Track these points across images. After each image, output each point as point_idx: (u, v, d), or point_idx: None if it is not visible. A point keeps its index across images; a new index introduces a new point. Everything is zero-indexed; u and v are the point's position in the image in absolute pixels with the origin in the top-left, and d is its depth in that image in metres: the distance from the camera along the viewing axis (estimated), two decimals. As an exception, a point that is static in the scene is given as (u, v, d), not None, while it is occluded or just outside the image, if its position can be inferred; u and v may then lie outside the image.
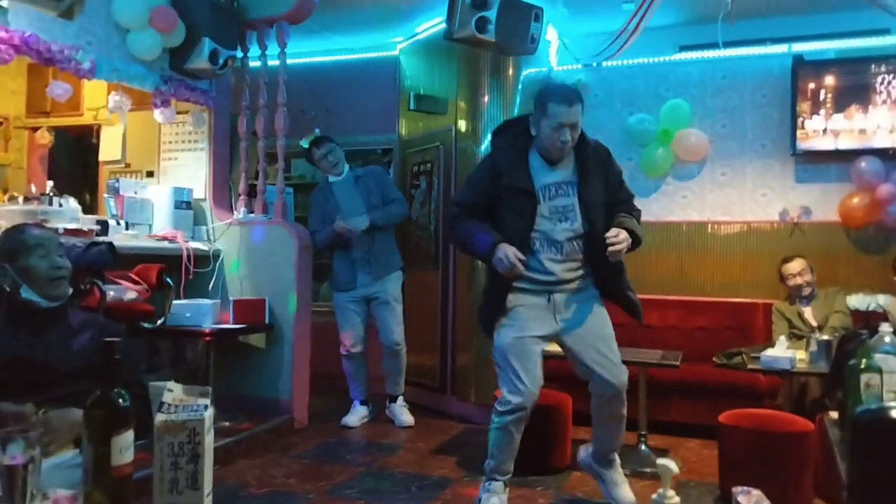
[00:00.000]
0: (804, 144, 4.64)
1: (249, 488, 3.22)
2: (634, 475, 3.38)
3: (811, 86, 4.62)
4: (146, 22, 3.77)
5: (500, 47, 4.06)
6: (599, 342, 2.78)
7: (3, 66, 3.32)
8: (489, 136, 4.46)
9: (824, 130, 4.60)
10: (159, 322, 3.71)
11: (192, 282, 4.15)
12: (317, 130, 4.58)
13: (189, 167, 4.60)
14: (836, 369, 2.27)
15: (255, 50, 4.47)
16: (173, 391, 1.28)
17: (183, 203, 4.36)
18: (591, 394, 2.84)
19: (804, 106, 4.62)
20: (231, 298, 4.11)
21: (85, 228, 3.59)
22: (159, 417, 1.24)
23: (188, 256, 4.11)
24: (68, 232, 3.40)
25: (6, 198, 4.07)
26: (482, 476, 2.96)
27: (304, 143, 4.49)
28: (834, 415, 2.10)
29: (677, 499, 1.51)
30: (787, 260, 4.30)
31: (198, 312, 3.88)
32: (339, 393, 4.62)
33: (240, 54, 4.39)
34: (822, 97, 4.60)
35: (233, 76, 4.54)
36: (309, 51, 5.58)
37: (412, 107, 4.82)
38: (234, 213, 4.48)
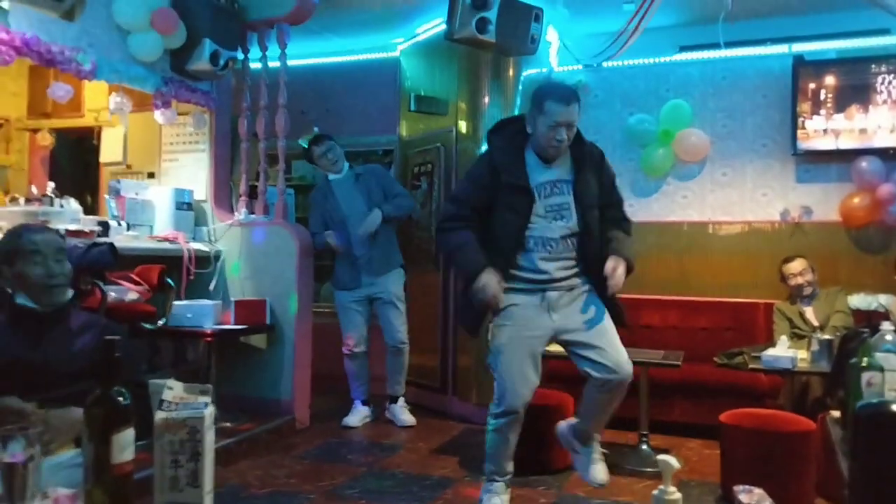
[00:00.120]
0: (805, 144, 4.64)
1: (251, 489, 3.22)
2: (636, 475, 3.39)
3: (812, 86, 4.62)
4: (147, 23, 3.77)
5: (500, 48, 4.06)
6: (599, 334, 2.72)
7: (4, 68, 3.33)
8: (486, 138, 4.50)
9: (825, 130, 4.60)
10: (160, 323, 3.71)
11: (193, 283, 4.15)
12: (315, 129, 4.58)
13: (190, 168, 4.60)
14: (837, 368, 2.27)
15: (255, 51, 4.47)
16: (173, 389, 1.28)
17: (184, 204, 4.36)
18: (591, 383, 2.72)
19: (805, 106, 4.62)
20: (232, 299, 4.11)
21: (86, 229, 3.59)
22: (159, 415, 1.24)
23: (189, 257, 4.11)
24: (69, 233, 3.40)
25: (7, 199, 4.07)
26: (483, 476, 2.95)
27: (303, 142, 4.49)
28: (835, 414, 2.09)
29: (678, 495, 1.50)
30: (787, 260, 4.30)
31: (199, 313, 3.88)
32: (340, 393, 4.62)
33: (240, 55, 4.39)
34: (822, 97, 4.60)
35: (233, 77, 4.54)
36: (309, 52, 5.58)
37: (413, 108, 4.82)
38: (235, 214, 4.48)
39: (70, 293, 2.00)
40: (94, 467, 1.18)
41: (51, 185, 4.08)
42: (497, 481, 2.89)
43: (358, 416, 4.40)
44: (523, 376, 2.75)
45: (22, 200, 3.87)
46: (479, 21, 3.77)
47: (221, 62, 4.04)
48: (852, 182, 4.53)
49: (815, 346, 3.42)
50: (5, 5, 3.22)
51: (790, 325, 4.14)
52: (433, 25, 4.82)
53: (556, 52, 4.99)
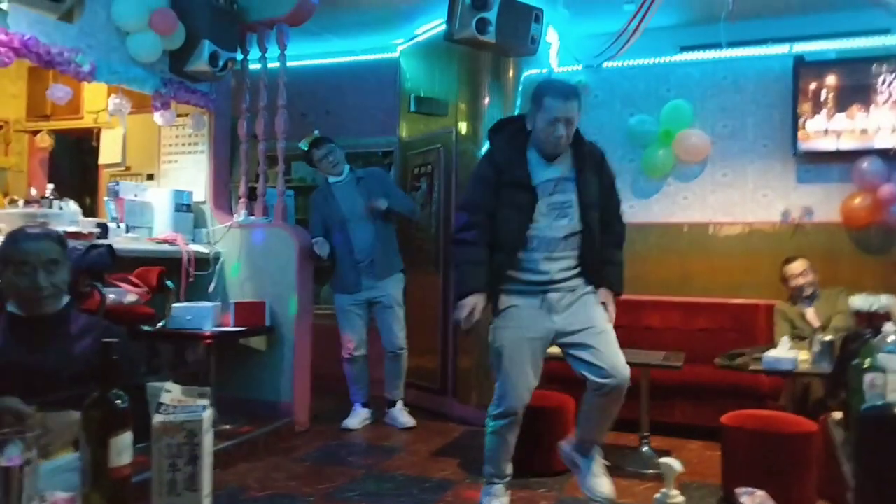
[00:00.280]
0: (805, 145, 4.63)
1: (250, 491, 3.20)
2: (637, 477, 3.38)
3: (812, 86, 4.61)
4: (146, 24, 3.77)
5: (500, 48, 4.05)
6: (597, 337, 2.71)
7: (3, 69, 3.33)
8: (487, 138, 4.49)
9: (826, 131, 4.59)
10: (160, 325, 3.71)
11: (192, 284, 4.15)
12: (316, 132, 4.57)
13: (189, 170, 4.59)
14: (839, 370, 2.26)
15: (255, 52, 4.46)
16: (171, 392, 1.27)
17: (183, 206, 4.36)
18: (589, 387, 2.72)
19: (805, 106, 4.61)
20: (231, 301, 4.10)
21: (85, 231, 3.59)
22: (157, 418, 1.23)
23: (188, 259, 4.10)
24: (68, 235, 3.38)
25: (6, 201, 4.07)
26: (483, 479, 2.94)
27: (303, 145, 4.48)
28: (837, 415, 2.09)
29: (681, 498, 1.50)
30: (788, 261, 4.29)
31: (198, 315, 3.87)
32: (339, 395, 4.61)
33: (240, 56, 4.38)
34: (823, 97, 4.59)
35: (233, 78, 4.53)
36: (309, 53, 5.58)
37: (413, 109, 4.81)
38: (235, 215, 4.48)
39: (64, 301, 1.97)
40: (92, 471, 1.17)
41: (50, 186, 4.08)
42: (496, 483, 2.88)
43: (357, 418, 4.39)
44: (523, 378, 2.74)
45: (21, 202, 3.86)
46: (478, 22, 3.77)
47: (220, 63, 4.03)
48: (853, 182, 4.52)
49: (816, 348, 3.41)
50: (4, 6, 3.22)
51: (791, 326, 4.13)
52: (433, 26, 4.82)
53: (556, 53, 4.98)
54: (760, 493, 1.57)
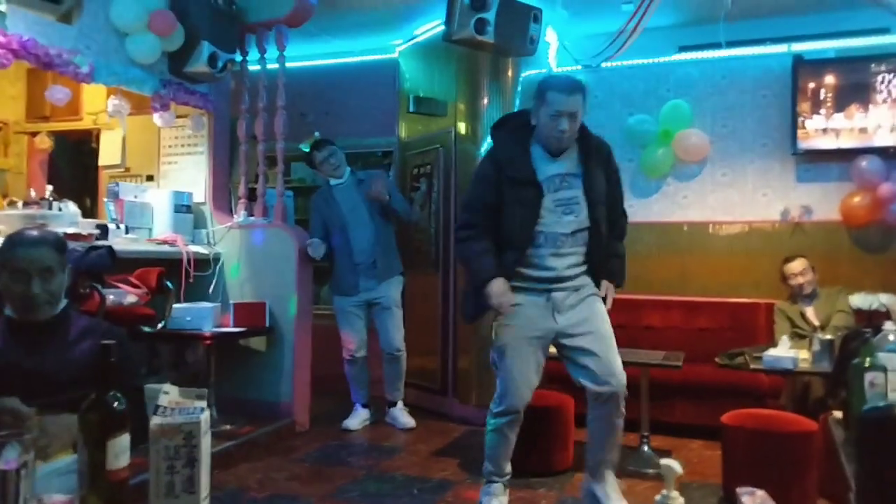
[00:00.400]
0: (805, 144, 4.63)
1: (251, 492, 3.20)
2: (637, 476, 3.37)
3: (811, 85, 4.61)
4: (145, 25, 3.76)
5: (499, 49, 4.05)
6: (598, 341, 2.71)
7: (3, 71, 3.32)
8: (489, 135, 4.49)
9: (825, 130, 4.59)
10: (159, 326, 3.70)
11: (192, 285, 4.15)
12: (316, 133, 4.57)
13: (189, 171, 4.59)
14: (839, 368, 2.26)
15: (254, 53, 4.46)
16: (169, 393, 1.27)
17: (183, 207, 4.36)
18: (588, 399, 2.74)
19: (804, 105, 4.61)
20: (231, 302, 4.10)
21: (84, 232, 3.58)
22: (155, 420, 1.22)
23: (188, 260, 4.10)
24: (68, 236, 3.38)
25: (6, 203, 4.06)
26: (483, 478, 2.94)
27: (305, 147, 4.48)
28: (838, 414, 2.08)
29: (681, 500, 1.50)
30: (788, 260, 4.29)
31: (198, 316, 3.87)
32: (339, 396, 4.61)
33: (239, 58, 4.38)
34: (822, 96, 4.59)
35: (232, 80, 4.53)
36: (308, 54, 5.58)
37: (412, 109, 4.81)
38: (234, 216, 4.47)
39: (61, 306, 1.96)
40: (89, 473, 1.17)
41: (49, 188, 4.08)
42: (496, 482, 2.88)
43: (358, 418, 4.38)
44: (526, 377, 2.74)
45: (20, 204, 3.86)
46: (477, 22, 3.77)
47: (220, 64, 4.03)
48: (852, 181, 4.52)
49: (816, 347, 3.41)
50: (3, 8, 3.22)
51: (791, 325, 4.13)
52: (432, 27, 4.81)
53: (555, 53, 4.98)
54: (761, 493, 1.56)
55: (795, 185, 4.77)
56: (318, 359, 4.46)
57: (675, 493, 1.57)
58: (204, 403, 1.27)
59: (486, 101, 4.60)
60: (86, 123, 4.96)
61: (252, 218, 4.42)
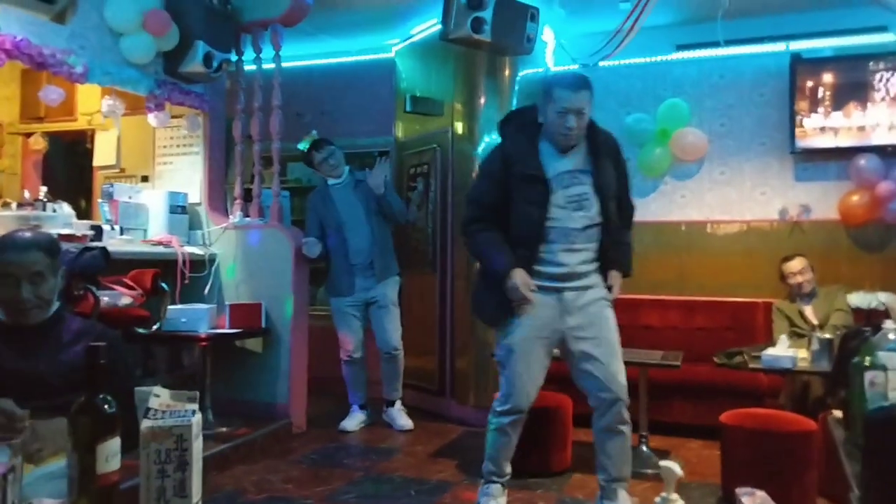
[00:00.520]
0: (803, 142, 4.62)
1: (247, 494, 3.18)
2: (636, 476, 3.34)
3: (809, 84, 4.60)
4: (139, 25, 3.74)
5: (496, 48, 4.04)
6: (603, 347, 2.69)
7: (-4, 71, 3.30)
8: (490, 135, 4.47)
9: (823, 128, 4.58)
10: (154, 327, 3.68)
11: (187, 286, 4.12)
12: (314, 133, 4.54)
13: (184, 171, 4.57)
14: (838, 368, 2.24)
15: (249, 53, 4.44)
16: (160, 396, 1.25)
17: (178, 207, 4.33)
18: (592, 406, 2.72)
19: (802, 104, 4.60)
20: (227, 303, 4.08)
21: (78, 234, 3.56)
22: (145, 423, 1.20)
23: (183, 261, 4.08)
24: (62, 238, 3.36)
25: (0, 204, 4.04)
26: (481, 479, 2.92)
27: (303, 146, 4.46)
28: (837, 414, 2.06)
29: (681, 502, 1.48)
30: (787, 259, 4.28)
31: (193, 317, 3.85)
32: (336, 397, 4.59)
33: (234, 57, 4.35)
34: (820, 95, 4.58)
35: (227, 79, 4.52)
36: (304, 53, 5.55)
37: (408, 109, 4.79)
38: (230, 217, 4.45)
39: (53, 309, 1.93)
40: (80, 477, 1.15)
41: (43, 189, 4.06)
42: (495, 482, 2.86)
43: (355, 420, 4.36)
44: (533, 377, 2.73)
45: (14, 205, 3.84)
46: (474, 21, 3.75)
47: (215, 64, 4.01)
48: (851, 180, 4.51)
49: (815, 346, 3.40)
50: (-5, 8, 3.19)
51: (790, 324, 4.12)
52: (428, 26, 4.80)
53: (552, 52, 4.96)
54: (761, 494, 1.55)
55: (794, 183, 4.76)
56: (315, 360, 4.44)
57: (674, 496, 1.56)
58: (195, 406, 1.25)
59: (483, 100, 4.58)
60: (80, 124, 4.93)
61: (248, 218, 4.40)
